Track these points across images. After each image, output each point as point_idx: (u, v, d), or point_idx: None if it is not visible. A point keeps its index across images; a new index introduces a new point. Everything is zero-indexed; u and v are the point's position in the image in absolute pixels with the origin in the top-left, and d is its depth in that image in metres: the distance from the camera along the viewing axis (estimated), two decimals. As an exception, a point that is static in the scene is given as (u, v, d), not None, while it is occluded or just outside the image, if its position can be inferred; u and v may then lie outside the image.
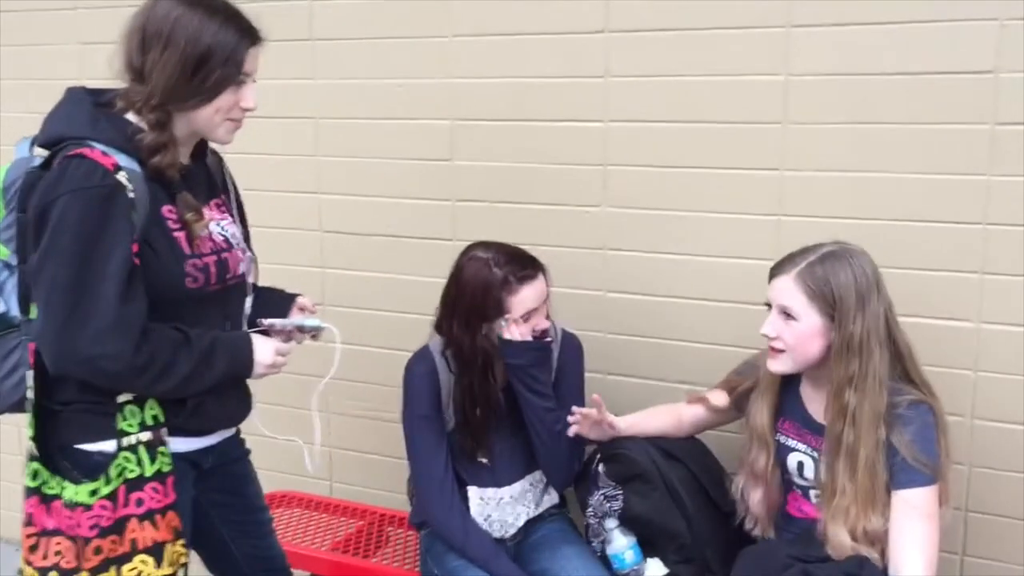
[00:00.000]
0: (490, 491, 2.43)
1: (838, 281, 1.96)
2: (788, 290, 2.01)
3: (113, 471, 1.82)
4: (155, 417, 1.86)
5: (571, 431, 2.32)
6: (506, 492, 2.44)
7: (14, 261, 1.85)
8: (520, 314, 2.28)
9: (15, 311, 1.87)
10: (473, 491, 2.43)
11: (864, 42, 2.28)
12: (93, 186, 1.71)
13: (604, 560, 2.33)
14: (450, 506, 2.38)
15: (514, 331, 2.28)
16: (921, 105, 2.26)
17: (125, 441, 1.83)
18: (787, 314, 2.02)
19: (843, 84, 2.32)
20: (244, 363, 1.92)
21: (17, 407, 1.91)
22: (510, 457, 2.44)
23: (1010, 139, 2.20)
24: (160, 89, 1.78)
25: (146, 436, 1.84)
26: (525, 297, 2.28)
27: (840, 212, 2.36)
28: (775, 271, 2.05)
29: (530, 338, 2.30)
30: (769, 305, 2.06)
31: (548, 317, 2.37)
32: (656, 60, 2.50)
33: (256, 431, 2.16)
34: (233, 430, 2.11)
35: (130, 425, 1.84)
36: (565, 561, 2.36)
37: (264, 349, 1.94)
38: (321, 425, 2.20)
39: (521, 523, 2.46)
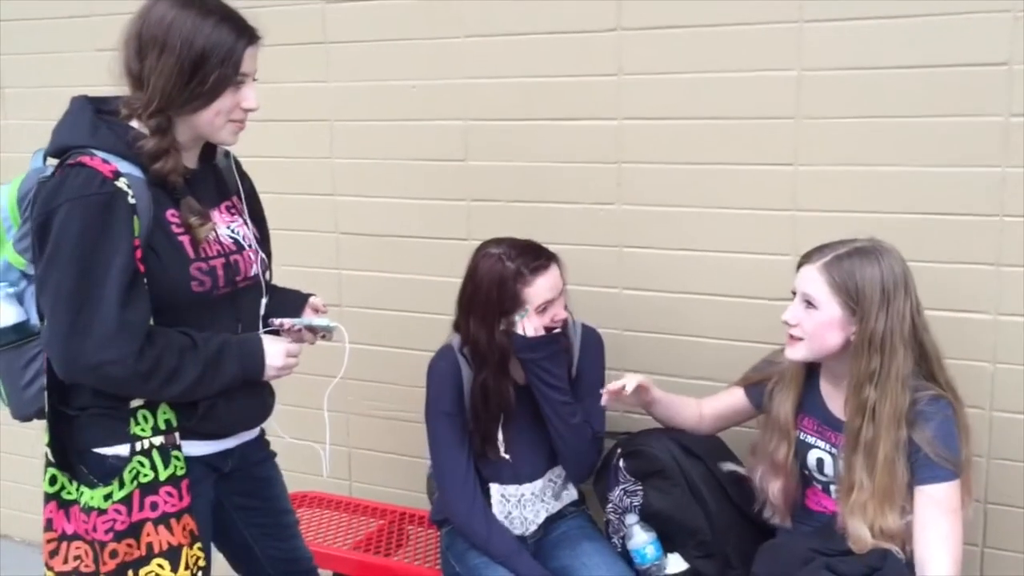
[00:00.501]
0: (511, 488, 2.45)
1: (863, 275, 1.97)
2: (812, 279, 2.02)
3: (127, 475, 1.83)
4: (168, 421, 1.87)
5: (604, 401, 2.32)
6: (527, 489, 2.45)
7: (32, 270, 1.86)
8: (537, 305, 2.29)
9: (35, 319, 1.89)
10: (495, 488, 2.45)
11: (876, 36, 2.29)
12: (92, 194, 1.72)
13: (625, 556, 2.34)
14: (472, 503, 2.39)
15: (528, 325, 2.29)
16: (934, 98, 2.26)
17: (138, 445, 1.84)
18: (809, 302, 2.03)
19: (856, 78, 2.32)
20: (255, 366, 1.92)
21: (41, 414, 1.94)
22: (531, 454, 2.45)
23: (1024, 130, 2.20)
24: (159, 94, 1.79)
25: (159, 440, 1.86)
26: (540, 288, 2.30)
27: (855, 206, 2.36)
28: (804, 260, 2.07)
29: (543, 331, 2.31)
30: (795, 293, 2.07)
31: (567, 309, 2.38)
32: (669, 57, 2.50)
33: (274, 433, 2.18)
34: (253, 433, 2.12)
35: (143, 429, 1.85)
36: (586, 558, 2.38)
37: (275, 351, 1.95)
38: (334, 425, 2.22)
39: (541, 520, 2.48)
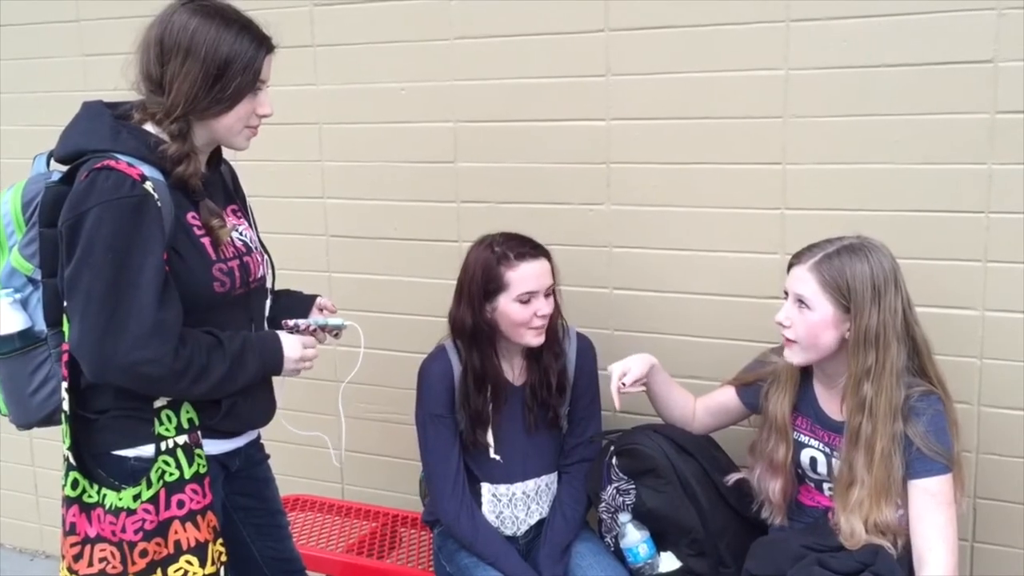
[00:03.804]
0: (502, 488, 2.45)
1: (853, 273, 1.98)
2: (803, 279, 2.03)
3: (154, 475, 1.85)
4: (191, 420, 1.89)
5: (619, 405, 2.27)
6: (518, 488, 2.46)
7: (38, 276, 1.87)
8: (519, 292, 2.30)
9: (41, 325, 1.89)
10: (486, 488, 2.45)
11: (863, 35, 2.30)
12: (123, 196, 1.74)
13: (618, 554, 2.35)
14: (460, 504, 2.40)
15: (513, 308, 2.30)
16: (921, 96, 2.28)
17: (163, 445, 1.86)
18: (801, 302, 2.04)
19: (843, 77, 2.34)
20: (275, 361, 1.96)
21: (47, 420, 1.94)
22: (523, 455, 2.46)
23: (1010, 127, 2.21)
24: (182, 100, 1.81)
25: (183, 439, 1.88)
26: (525, 274, 2.30)
27: (843, 204, 2.38)
28: (794, 260, 2.08)
29: (526, 318, 2.30)
30: (787, 294, 2.08)
31: (561, 316, 2.40)
32: (657, 58, 2.51)
33: (275, 436, 2.18)
34: (257, 433, 2.14)
35: (167, 429, 1.87)
36: (579, 558, 2.39)
37: (292, 345, 1.98)
38: (326, 428, 2.22)
39: (534, 521, 2.48)
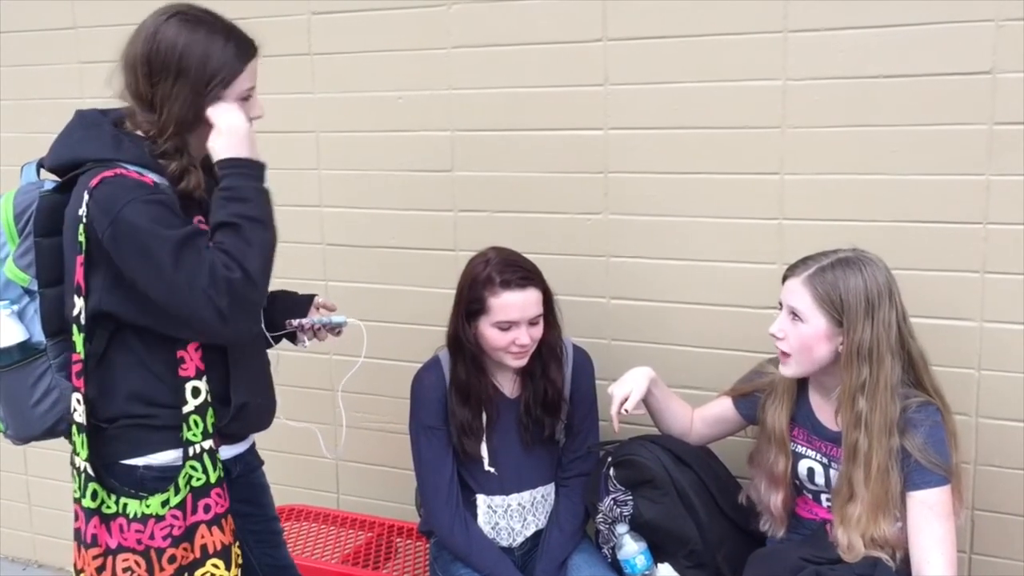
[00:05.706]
0: (498, 499, 2.44)
1: (847, 286, 1.98)
2: (797, 292, 2.03)
3: (181, 480, 1.85)
4: (214, 424, 1.89)
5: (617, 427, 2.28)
6: (514, 500, 2.45)
7: (34, 287, 1.86)
8: (498, 320, 2.29)
9: (39, 336, 1.88)
10: (481, 499, 2.44)
11: (861, 45, 2.30)
12: (149, 193, 1.74)
13: (615, 566, 2.34)
14: (454, 516, 2.39)
15: (491, 332, 2.29)
16: (919, 106, 2.27)
17: (191, 450, 1.86)
18: (795, 315, 2.03)
19: (841, 87, 2.33)
20: (249, 162, 1.87)
21: (50, 433, 1.92)
22: (517, 467, 2.45)
23: (1008, 138, 2.21)
24: (174, 120, 1.80)
25: (208, 444, 1.88)
26: (506, 303, 2.28)
27: (841, 214, 2.37)
28: (788, 273, 2.08)
29: (503, 345, 2.29)
30: (782, 306, 2.08)
31: (556, 331, 2.40)
32: (655, 67, 2.51)
33: (271, 445, 2.17)
34: (251, 440, 2.13)
35: (195, 435, 1.86)
36: (576, 571, 2.38)
37: (229, 120, 1.85)
38: (339, 421, 2.19)
39: (530, 532, 2.47)
